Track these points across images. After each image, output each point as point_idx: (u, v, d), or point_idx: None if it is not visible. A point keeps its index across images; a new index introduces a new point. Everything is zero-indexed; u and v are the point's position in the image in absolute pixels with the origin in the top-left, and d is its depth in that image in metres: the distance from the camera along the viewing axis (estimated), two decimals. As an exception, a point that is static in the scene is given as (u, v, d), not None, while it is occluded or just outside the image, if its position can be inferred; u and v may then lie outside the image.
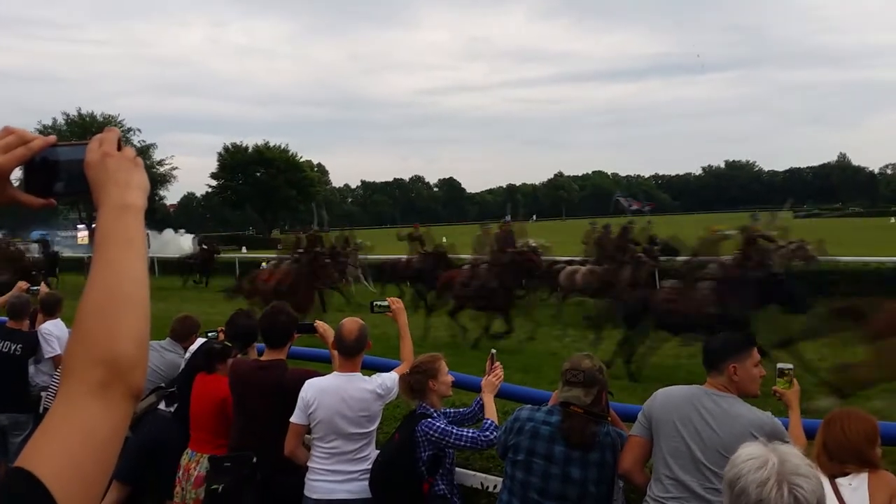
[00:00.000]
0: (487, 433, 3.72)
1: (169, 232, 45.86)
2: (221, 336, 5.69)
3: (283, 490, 4.30)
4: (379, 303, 4.65)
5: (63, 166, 1.15)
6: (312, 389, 4.13)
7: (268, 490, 4.30)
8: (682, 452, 3.27)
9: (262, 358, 4.63)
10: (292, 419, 4.15)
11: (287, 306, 4.74)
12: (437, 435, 3.71)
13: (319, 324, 4.73)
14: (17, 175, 1.15)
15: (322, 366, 5.30)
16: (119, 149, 1.14)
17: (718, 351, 3.45)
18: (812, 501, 1.78)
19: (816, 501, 1.79)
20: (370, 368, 4.73)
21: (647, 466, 3.54)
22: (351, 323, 4.21)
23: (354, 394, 4.07)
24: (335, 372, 4.24)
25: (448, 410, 4.17)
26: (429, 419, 3.78)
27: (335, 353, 4.33)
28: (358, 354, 4.21)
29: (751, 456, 1.86)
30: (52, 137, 1.15)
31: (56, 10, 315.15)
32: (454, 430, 3.72)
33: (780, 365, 3.79)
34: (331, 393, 4.07)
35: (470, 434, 3.71)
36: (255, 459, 4.28)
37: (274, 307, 4.70)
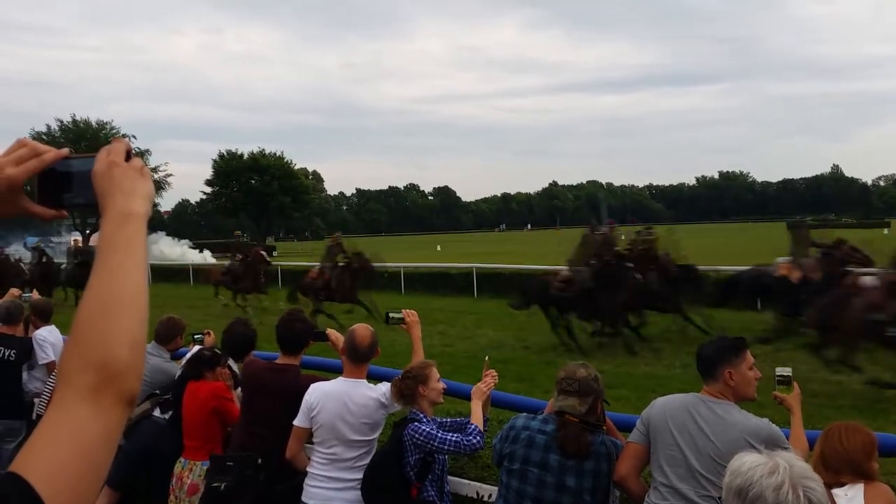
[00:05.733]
0: (471, 437, 3.71)
1: (155, 235, 45.81)
2: (208, 339, 5.69)
3: (283, 494, 4.29)
4: (394, 314, 4.61)
5: (75, 177, 1.17)
6: (316, 393, 4.14)
7: (268, 493, 4.29)
8: (677, 460, 3.27)
9: (277, 361, 4.65)
10: (295, 422, 4.16)
11: (303, 313, 4.75)
12: (422, 438, 3.70)
13: (331, 332, 4.73)
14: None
15: (334, 376, 5.29)
16: (128, 159, 1.16)
17: (712, 357, 3.43)
18: (825, 503, 1.79)
19: None
20: (374, 378, 4.71)
21: (642, 476, 3.54)
22: (363, 329, 4.22)
23: (358, 400, 4.06)
24: (341, 377, 4.24)
25: (445, 420, 4.16)
26: (416, 423, 3.77)
27: (345, 359, 4.33)
28: (367, 361, 4.22)
29: (757, 463, 1.86)
30: (65, 150, 1.17)
31: (51, 16, 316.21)
32: (438, 434, 3.71)
33: (778, 370, 3.77)
34: (334, 397, 4.08)
35: (454, 438, 3.71)
36: (259, 461, 4.29)
37: (291, 314, 4.73)
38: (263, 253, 20.82)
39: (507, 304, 14.85)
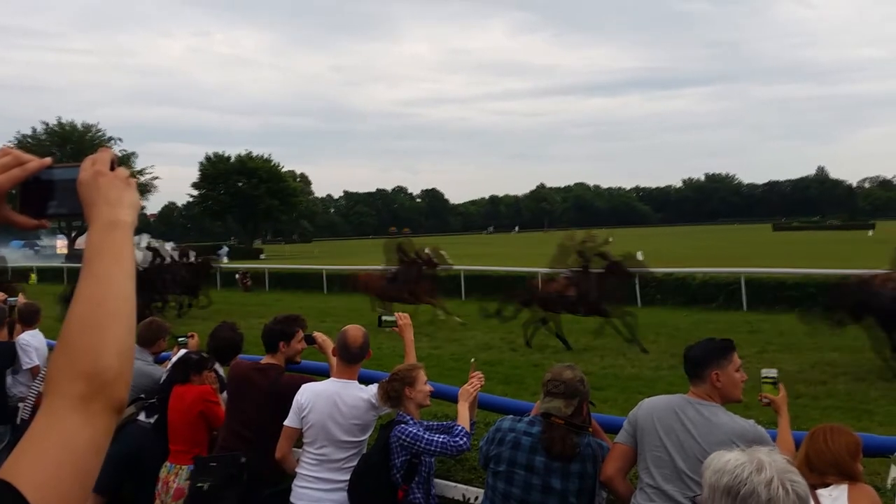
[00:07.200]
0: (457, 439, 3.71)
1: (138, 237, 45.47)
2: (192, 342, 5.66)
3: (269, 494, 4.28)
4: (386, 317, 4.61)
5: (58, 186, 1.16)
6: (307, 393, 4.14)
7: (253, 493, 4.28)
8: (664, 461, 3.28)
9: (261, 362, 4.67)
10: (286, 422, 4.16)
11: (284, 317, 4.73)
12: (408, 440, 3.70)
13: (318, 335, 4.73)
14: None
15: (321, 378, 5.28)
16: (112, 169, 1.15)
17: (700, 359, 3.45)
18: (809, 495, 1.83)
19: (807, 497, 1.83)
20: (361, 381, 4.73)
21: (628, 476, 3.55)
22: (355, 330, 4.22)
23: (349, 400, 4.06)
24: (332, 378, 4.24)
25: (432, 423, 4.15)
26: (402, 425, 3.78)
27: (334, 360, 4.31)
28: (359, 362, 4.22)
29: (742, 460, 1.86)
30: (48, 159, 1.16)
31: (39, 20, 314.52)
32: (425, 436, 3.71)
33: (764, 371, 3.79)
34: (325, 398, 4.08)
35: (440, 439, 3.71)
36: (243, 460, 4.28)
37: (275, 318, 4.73)
38: (430, 253, 18.06)
39: (799, 319, 12.60)
